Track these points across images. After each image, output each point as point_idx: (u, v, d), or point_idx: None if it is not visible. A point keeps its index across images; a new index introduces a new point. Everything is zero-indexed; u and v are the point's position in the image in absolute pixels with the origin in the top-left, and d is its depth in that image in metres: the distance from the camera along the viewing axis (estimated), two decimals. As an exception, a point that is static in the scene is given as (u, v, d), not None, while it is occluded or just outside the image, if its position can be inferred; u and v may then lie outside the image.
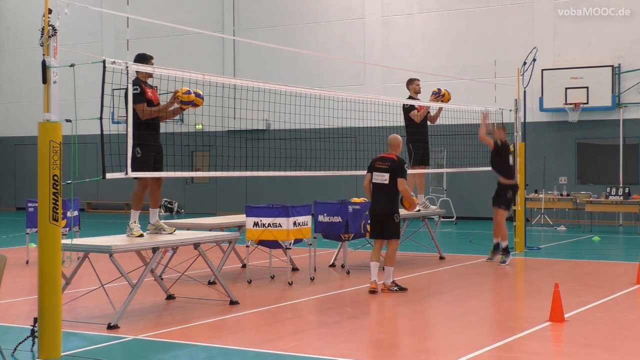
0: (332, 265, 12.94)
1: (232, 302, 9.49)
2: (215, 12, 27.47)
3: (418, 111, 13.52)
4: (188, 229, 11.04)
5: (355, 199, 12.49)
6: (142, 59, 9.03)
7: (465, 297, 10.30)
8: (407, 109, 13.59)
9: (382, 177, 10.39)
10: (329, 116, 12.77)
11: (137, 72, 8.82)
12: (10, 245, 16.56)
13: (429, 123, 13.91)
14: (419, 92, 13.89)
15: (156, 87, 9.46)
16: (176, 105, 9.10)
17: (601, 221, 21.34)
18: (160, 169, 9.26)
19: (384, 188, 10.41)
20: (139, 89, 8.82)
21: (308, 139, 14.46)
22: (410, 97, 13.67)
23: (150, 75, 9.05)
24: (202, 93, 9.14)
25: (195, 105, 9.08)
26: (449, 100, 13.96)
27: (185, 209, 28.05)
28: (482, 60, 23.44)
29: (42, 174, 6.94)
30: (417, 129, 13.60)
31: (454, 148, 17.85)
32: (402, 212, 13.72)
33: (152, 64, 9.02)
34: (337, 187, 23.90)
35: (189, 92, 8.96)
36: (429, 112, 13.76)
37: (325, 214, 12.07)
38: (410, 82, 13.79)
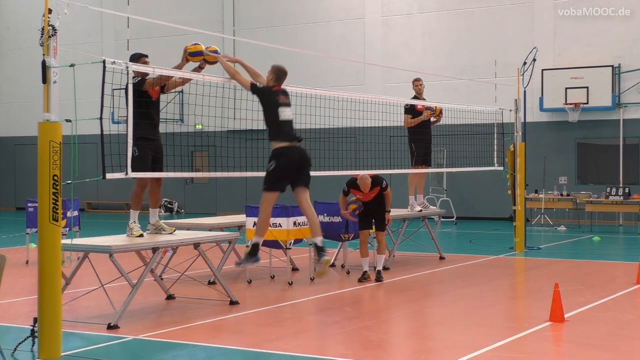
0: (332, 265, 12.94)
1: (232, 302, 9.49)
2: (215, 12, 27.46)
3: (413, 114, 13.59)
4: (188, 229, 11.04)
5: (355, 199, 12.46)
6: (136, 58, 8.91)
7: (465, 297, 10.30)
8: (405, 110, 13.74)
9: None
10: (329, 116, 12.73)
11: (134, 72, 8.79)
12: (10, 245, 16.55)
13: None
14: (421, 93, 13.92)
15: None
16: (190, 72, 9.02)
17: (601, 221, 21.33)
18: (159, 169, 9.21)
19: None
20: (138, 77, 8.80)
21: (308, 139, 14.36)
22: (415, 97, 13.81)
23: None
24: (217, 49, 9.05)
25: (206, 61, 8.99)
26: (440, 112, 13.90)
27: (185, 209, 28.04)
28: (482, 60, 23.43)
29: (42, 174, 6.93)
30: (419, 128, 13.65)
31: (454, 148, 17.83)
32: (402, 212, 13.82)
33: (147, 62, 8.94)
34: (337, 187, 23.77)
35: (197, 44, 8.90)
36: (431, 120, 13.80)
37: (325, 214, 12.09)
38: (413, 82, 13.96)
